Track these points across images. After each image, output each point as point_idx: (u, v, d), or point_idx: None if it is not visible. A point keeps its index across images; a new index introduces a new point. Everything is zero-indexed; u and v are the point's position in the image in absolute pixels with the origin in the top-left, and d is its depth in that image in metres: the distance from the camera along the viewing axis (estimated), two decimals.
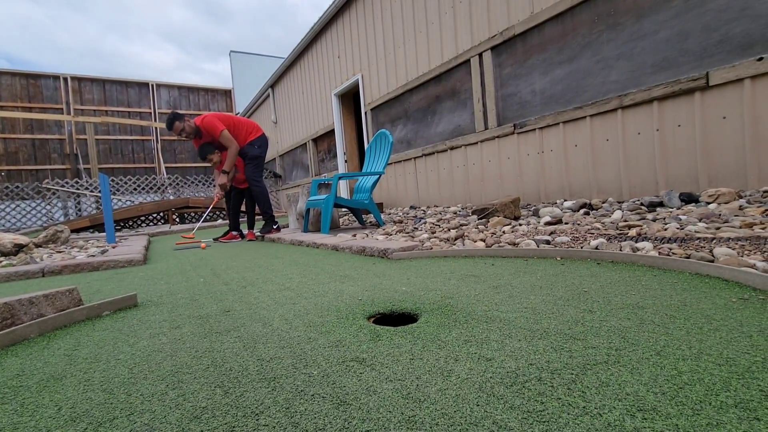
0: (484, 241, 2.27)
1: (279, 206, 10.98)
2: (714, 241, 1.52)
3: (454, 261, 1.89)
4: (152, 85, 14.67)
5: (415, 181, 5.51)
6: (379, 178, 3.91)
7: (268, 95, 11.00)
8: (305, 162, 9.30)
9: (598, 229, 2.12)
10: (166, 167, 14.18)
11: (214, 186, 4.62)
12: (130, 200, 9.92)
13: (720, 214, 1.96)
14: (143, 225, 9.15)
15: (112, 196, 9.56)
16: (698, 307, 0.97)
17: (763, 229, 1.61)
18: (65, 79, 13.20)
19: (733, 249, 1.39)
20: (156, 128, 14.33)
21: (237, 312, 1.29)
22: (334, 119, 7.59)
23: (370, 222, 4.47)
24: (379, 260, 2.13)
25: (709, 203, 2.31)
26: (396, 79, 5.62)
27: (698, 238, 1.58)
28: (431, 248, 2.26)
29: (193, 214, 9.34)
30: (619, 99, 3.02)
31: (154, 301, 1.55)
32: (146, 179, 10.33)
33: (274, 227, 4.38)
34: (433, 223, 3.28)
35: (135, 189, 10.16)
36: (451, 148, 4.76)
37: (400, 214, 4.78)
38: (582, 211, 2.77)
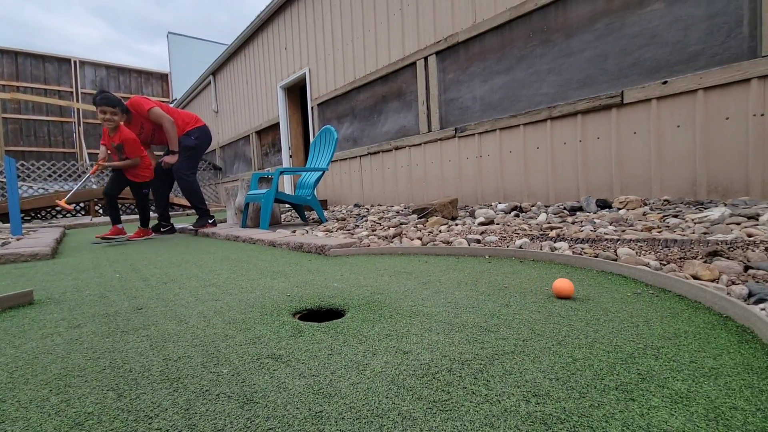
0: (420, 239, 2.32)
1: (219, 200, 10.43)
2: (619, 242, 1.68)
3: (390, 258, 1.91)
4: (75, 62, 13.25)
5: (360, 180, 5.51)
6: (323, 174, 3.85)
7: (209, 82, 10.40)
8: (248, 155, 8.92)
9: (524, 230, 2.26)
10: (89, 153, 12.87)
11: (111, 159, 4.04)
12: (43, 188, 8.87)
13: (627, 219, 2.18)
14: (59, 216, 8.23)
15: (22, 183, 8.48)
16: (599, 301, 1.06)
17: (659, 232, 1.81)
18: None
19: (633, 249, 1.55)
20: (78, 110, 12.96)
21: (151, 309, 1.19)
22: (279, 112, 7.35)
23: (313, 219, 4.40)
24: (316, 257, 2.10)
25: (620, 209, 2.56)
26: (344, 76, 5.58)
27: (606, 239, 1.74)
28: (369, 245, 2.27)
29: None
30: (549, 110, 3.25)
31: (55, 298, 1.39)
32: (64, 165, 9.29)
33: (210, 221, 4.14)
34: (375, 222, 3.29)
35: (50, 176, 9.09)
36: (396, 148, 4.82)
37: (344, 211, 4.75)
38: (513, 213, 2.94)
